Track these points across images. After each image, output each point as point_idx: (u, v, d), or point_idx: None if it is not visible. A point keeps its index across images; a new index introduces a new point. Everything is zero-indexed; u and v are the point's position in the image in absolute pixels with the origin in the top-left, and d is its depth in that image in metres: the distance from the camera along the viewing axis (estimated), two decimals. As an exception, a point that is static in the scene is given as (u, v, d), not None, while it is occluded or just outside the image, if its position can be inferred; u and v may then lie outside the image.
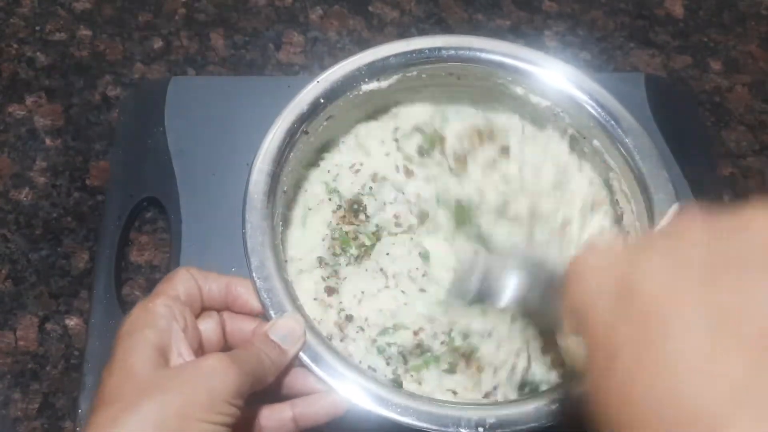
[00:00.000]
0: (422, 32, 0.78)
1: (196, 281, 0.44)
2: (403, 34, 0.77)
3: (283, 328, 0.44)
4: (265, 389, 0.42)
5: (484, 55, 0.57)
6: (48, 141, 0.69)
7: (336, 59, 0.74)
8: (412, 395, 0.45)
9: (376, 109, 0.61)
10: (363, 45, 0.76)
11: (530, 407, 0.44)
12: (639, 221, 0.53)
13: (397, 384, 0.50)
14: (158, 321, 0.40)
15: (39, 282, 0.63)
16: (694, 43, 0.79)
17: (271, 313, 0.46)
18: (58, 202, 0.66)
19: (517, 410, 0.44)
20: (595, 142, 0.56)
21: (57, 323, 0.61)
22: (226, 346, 0.46)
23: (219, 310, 0.46)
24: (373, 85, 0.57)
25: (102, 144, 0.69)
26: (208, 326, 0.45)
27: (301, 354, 0.45)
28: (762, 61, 0.78)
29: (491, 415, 0.44)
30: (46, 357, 0.60)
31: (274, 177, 0.51)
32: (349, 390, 0.44)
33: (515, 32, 0.78)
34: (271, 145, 0.52)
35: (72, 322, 0.61)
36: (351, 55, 0.57)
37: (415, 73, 0.58)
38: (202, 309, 0.45)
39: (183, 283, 0.43)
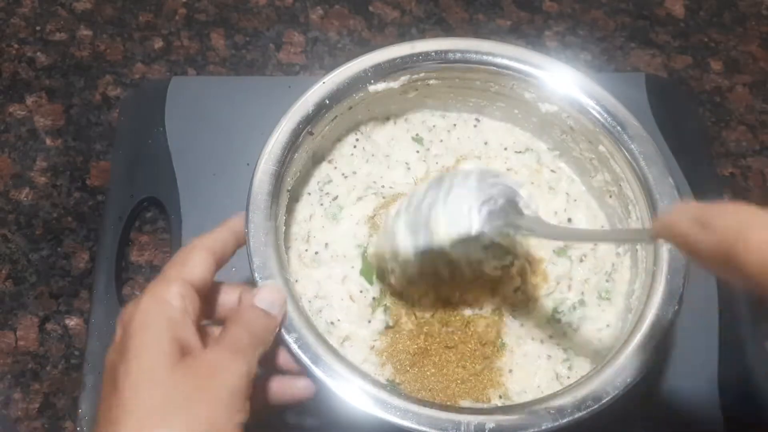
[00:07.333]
0: (423, 32, 0.78)
1: (214, 259, 0.44)
2: (403, 34, 0.77)
3: (268, 297, 0.45)
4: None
5: (491, 59, 0.57)
6: (48, 141, 0.69)
7: (336, 59, 0.75)
8: (411, 398, 0.45)
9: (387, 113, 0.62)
10: (363, 45, 0.76)
11: (530, 413, 0.44)
12: (643, 227, 0.54)
13: (394, 386, 0.50)
14: (173, 313, 0.39)
15: (39, 282, 0.62)
16: (694, 43, 0.79)
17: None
18: (58, 202, 0.66)
19: (517, 416, 0.44)
20: (601, 148, 0.56)
21: (57, 323, 0.61)
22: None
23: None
24: (379, 87, 0.56)
25: (102, 144, 0.69)
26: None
27: (301, 355, 0.45)
28: (762, 61, 0.78)
29: (491, 420, 0.44)
30: (47, 357, 0.60)
31: (279, 177, 0.51)
32: (348, 392, 0.44)
33: (516, 32, 0.78)
34: (276, 145, 0.52)
35: (72, 322, 0.61)
36: (351, 55, 0.57)
37: (422, 75, 0.58)
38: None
39: (199, 267, 0.43)
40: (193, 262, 0.43)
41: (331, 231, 0.56)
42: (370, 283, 0.54)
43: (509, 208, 0.45)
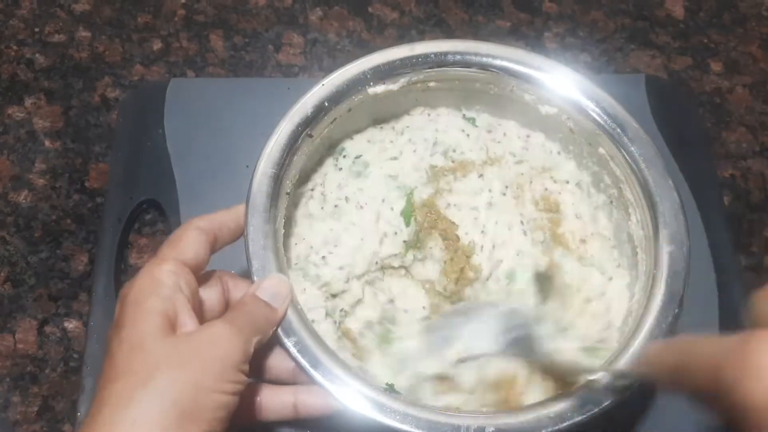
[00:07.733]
0: (422, 34, 0.77)
1: (206, 238, 0.45)
2: (403, 35, 0.77)
3: (270, 288, 0.45)
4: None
5: (490, 61, 0.57)
6: (47, 143, 0.69)
7: (336, 61, 0.75)
8: (411, 402, 0.45)
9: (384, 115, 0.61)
10: (363, 46, 0.76)
11: (530, 416, 0.44)
12: (643, 230, 0.53)
13: (393, 390, 0.50)
14: (164, 290, 0.41)
15: (38, 284, 0.62)
16: (694, 44, 0.79)
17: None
18: (57, 205, 0.66)
19: (517, 419, 0.44)
20: (601, 150, 0.56)
21: (56, 326, 0.61)
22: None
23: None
24: (378, 89, 0.56)
25: (101, 146, 0.69)
26: (212, 294, 0.46)
27: (301, 358, 0.45)
28: (762, 62, 0.78)
29: (490, 424, 0.44)
30: (46, 360, 0.59)
31: (277, 180, 0.51)
32: (348, 396, 0.44)
33: (515, 34, 0.78)
34: (275, 147, 0.52)
35: (71, 324, 0.61)
36: (351, 56, 0.57)
37: (421, 77, 0.57)
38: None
39: (192, 246, 0.44)
40: (185, 241, 0.44)
41: (354, 185, 0.57)
42: (407, 224, 0.54)
43: (527, 341, 0.49)
